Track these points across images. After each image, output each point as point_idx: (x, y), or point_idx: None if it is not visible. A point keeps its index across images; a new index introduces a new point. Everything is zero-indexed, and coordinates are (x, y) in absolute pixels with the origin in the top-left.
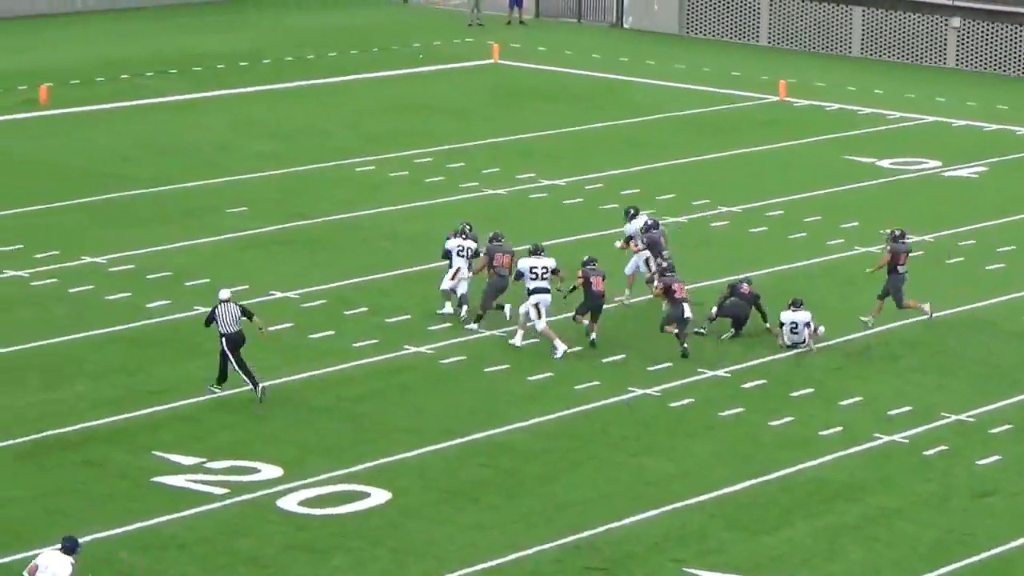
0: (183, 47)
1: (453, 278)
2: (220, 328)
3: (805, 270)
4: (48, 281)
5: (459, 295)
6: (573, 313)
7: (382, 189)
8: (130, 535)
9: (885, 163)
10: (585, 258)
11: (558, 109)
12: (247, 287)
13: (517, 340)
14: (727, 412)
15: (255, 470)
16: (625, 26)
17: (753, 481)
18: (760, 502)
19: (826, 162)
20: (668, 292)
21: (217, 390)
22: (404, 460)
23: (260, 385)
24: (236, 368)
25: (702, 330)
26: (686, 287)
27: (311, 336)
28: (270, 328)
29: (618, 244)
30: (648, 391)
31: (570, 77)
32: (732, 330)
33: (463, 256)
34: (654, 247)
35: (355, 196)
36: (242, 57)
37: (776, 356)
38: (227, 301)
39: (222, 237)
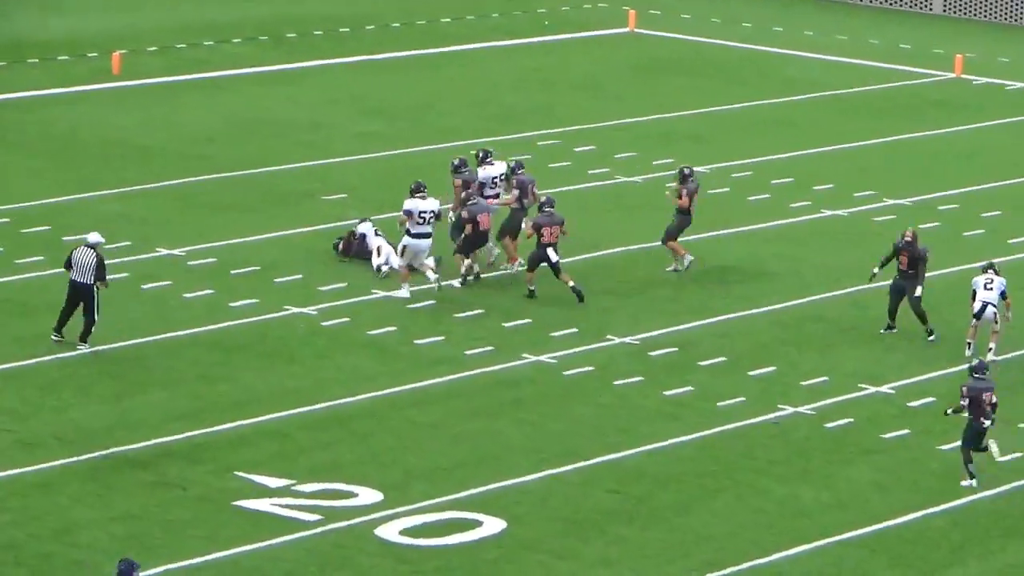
0: (275, 10)
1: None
2: (72, 275)
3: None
4: (118, 276)
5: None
6: (454, 250)
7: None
8: (209, 565)
9: None
10: (543, 199)
11: (702, 85)
12: (345, 284)
13: (404, 292)
14: (891, 434)
15: (351, 494)
16: None
17: (920, 514)
18: (928, 538)
19: (1008, 149)
20: (538, 232)
21: (56, 338)
22: (521, 485)
23: (57, 336)
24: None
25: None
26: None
27: (417, 342)
28: (369, 332)
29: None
30: (800, 409)
31: (716, 49)
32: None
33: (381, 235)
34: (523, 189)
35: None
36: (342, 22)
37: (948, 370)
38: (90, 247)
39: (317, 228)
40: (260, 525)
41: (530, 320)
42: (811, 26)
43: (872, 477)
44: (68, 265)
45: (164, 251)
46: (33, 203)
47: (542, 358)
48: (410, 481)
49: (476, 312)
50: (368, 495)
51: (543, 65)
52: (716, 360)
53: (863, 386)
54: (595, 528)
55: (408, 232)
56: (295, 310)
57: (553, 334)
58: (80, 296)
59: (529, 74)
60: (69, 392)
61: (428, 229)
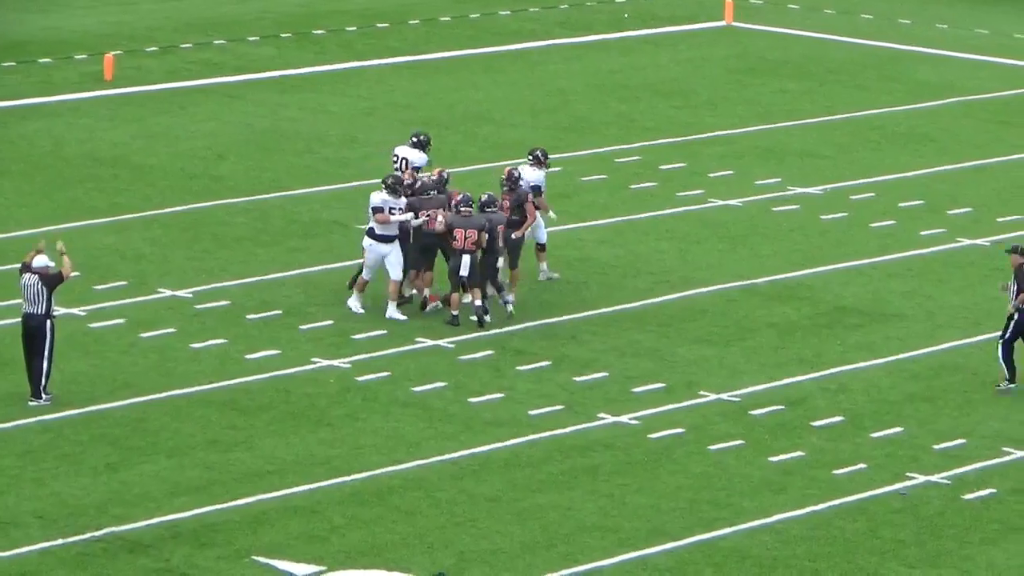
0: (300, 2)
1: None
2: (23, 307)
3: None
4: (113, 322)
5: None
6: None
7: (571, 199)
8: None
9: None
10: (458, 196)
11: (813, 90)
12: (385, 332)
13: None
14: None
15: None
16: None
17: None
18: None
19: None
20: (450, 233)
21: (34, 402)
22: (598, 571)
23: (42, 399)
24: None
25: (1007, 386)
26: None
27: (472, 400)
28: (414, 388)
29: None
30: (933, 478)
31: (831, 46)
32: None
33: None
34: None
35: None
36: (381, 16)
37: None
38: (34, 272)
39: (350, 263)
40: None
41: (607, 373)
42: (945, 19)
43: (1020, 560)
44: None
45: (167, 292)
46: (8, 235)
47: (622, 419)
48: (465, 566)
49: (542, 364)
50: None
51: (621, 67)
52: (831, 420)
53: (1008, 450)
54: None
55: (374, 234)
56: (324, 363)
57: (635, 390)
58: (30, 333)
59: (605, 77)
60: (53, 461)
61: (395, 232)
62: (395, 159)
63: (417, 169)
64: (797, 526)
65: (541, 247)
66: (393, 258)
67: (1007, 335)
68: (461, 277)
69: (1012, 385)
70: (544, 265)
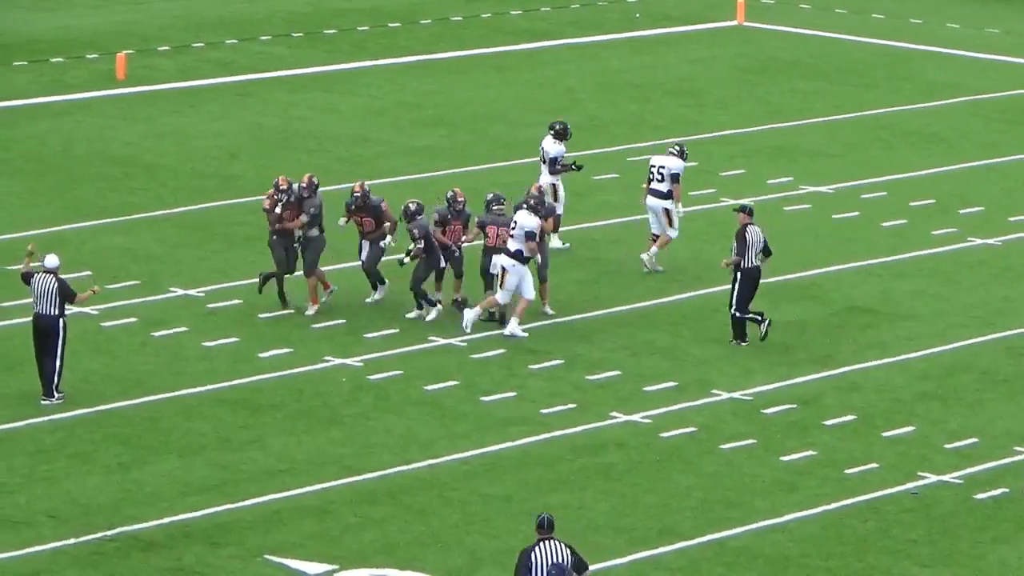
0: (311, 1)
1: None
2: (34, 307)
3: None
4: (124, 321)
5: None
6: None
7: (584, 198)
8: None
9: None
10: (490, 195)
11: (824, 90)
12: (396, 330)
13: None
14: None
15: None
16: None
17: None
18: None
19: None
20: (483, 231)
21: (46, 401)
22: (610, 570)
23: (54, 398)
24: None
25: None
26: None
27: (483, 399)
28: (426, 387)
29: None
30: (945, 477)
31: (842, 45)
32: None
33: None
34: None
35: None
36: (392, 15)
37: None
38: (49, 272)
39: (356, 263)
40: None
41: (619, 372)
42: (956, 18)
43: None
44: (26, 280)
45: (179, 291)
46: (19, 235)
47: (634, 418)
48: (477, 566)
49: (554, 363)
50: None
51: (632, 66)
52: (843, 419)
53: (1019, 449)
54: None
55: (521, 256)
56: (336, 361)
57: (647, 389)
58: (43, 332)
59: (615, 77)
60: (65, 460)
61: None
62: (542, 152)
63: (555, 160)
64: (809, 525)
65: (656, 236)
66: (528, 277)
67: (739, 297)
68: (492, 276)
69: (743, 344)
70: (651, 252)
